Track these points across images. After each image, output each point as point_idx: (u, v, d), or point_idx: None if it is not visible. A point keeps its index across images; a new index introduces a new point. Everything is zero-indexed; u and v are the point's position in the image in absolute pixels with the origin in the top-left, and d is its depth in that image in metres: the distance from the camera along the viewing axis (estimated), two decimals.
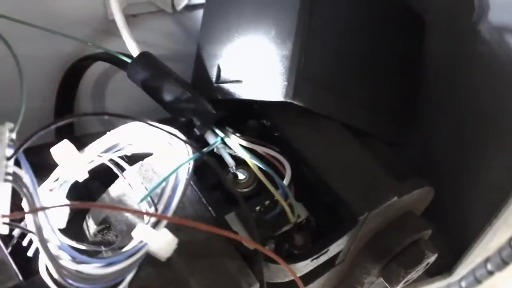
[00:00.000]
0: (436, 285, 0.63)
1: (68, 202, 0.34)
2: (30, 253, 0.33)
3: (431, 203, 0.49)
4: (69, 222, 0.41)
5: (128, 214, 0.35)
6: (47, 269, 0.30)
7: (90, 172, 0.37)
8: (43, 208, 0.28)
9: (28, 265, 0.35)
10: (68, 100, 0.53)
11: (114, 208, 0.35)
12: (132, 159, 0.38)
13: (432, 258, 0.44)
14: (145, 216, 0.32)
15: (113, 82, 0.56)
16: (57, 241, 0.30)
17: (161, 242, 0.31)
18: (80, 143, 0.36)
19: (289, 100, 0.38)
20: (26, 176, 0.29)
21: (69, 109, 0.54)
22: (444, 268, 0.58)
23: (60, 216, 0.34)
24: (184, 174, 0.33)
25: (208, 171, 0.38)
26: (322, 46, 0.40)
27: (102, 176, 0.38)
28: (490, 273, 0.66)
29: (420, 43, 0.54)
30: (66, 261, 0.29)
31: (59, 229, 0.32)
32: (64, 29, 0.45)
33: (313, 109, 0.40)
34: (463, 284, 0.70)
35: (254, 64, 0.40)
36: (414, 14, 0.52)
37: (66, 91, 0.52)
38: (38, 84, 0.52)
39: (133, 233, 0.31)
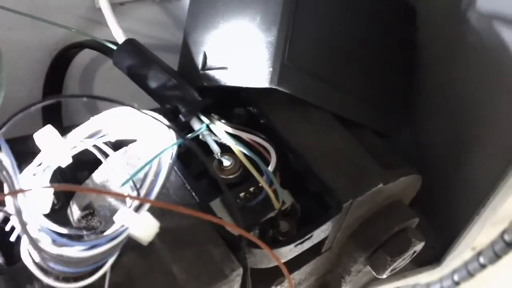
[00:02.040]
0: (428, 278, 0.63)
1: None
2: (12, 238, 0.33)
3: (420, 194, 0.48)
4: (57, 211, 0.41)
5: (111, 200, 0.35)
6: (29, 253, 0.30)
7: (80, 162, 0.37)
8: (22, 191, 0.28)
9: (12, 251, 0.35)
10: (55, 89, 0.53)
11: (94, 191, 0.35)
12: (117, 146, 0.38)
13: (419, 247, 0.44)
14: (127, 200, 0.32)
15: (101, 71, 0.55)
16: (37, 224, 0.29)
17: (142, 226, 0.30)
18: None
19: (274, 87, 0.38)
20: (6, 159, 0.29)
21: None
22: (433, 258, 0.57)
23: (44, 201, 0.34)
24: (167, 159, 0.33)
25: (195, 159, 0.38)
26: (309, 33, 0.40)
27: (92, 166, 0.38)
28: (483, 266, 0.66)
29: (412, 34, 0.53)
30: (46, 244, 0.29)
31: (44, 215, 0.32)
32: (51, 17, 0.45)
33: (299, 96, 0.40)
34: (455, 277, 0.69)
35: (240, 51, 0.39)
36: (405, 4, 0.52)
37: (54, 80, 0.52)
38: (25, 73, 0.52)
39: (114, 217, 0.30)
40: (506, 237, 0.61)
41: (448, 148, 0.53)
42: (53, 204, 0.49)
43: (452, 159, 0.52)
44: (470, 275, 0.68)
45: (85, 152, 0.36)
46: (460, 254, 0.58)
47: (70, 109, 0.57)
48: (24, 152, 0.34)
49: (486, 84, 0.47)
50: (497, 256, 0.63)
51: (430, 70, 0.53)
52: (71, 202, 0.38)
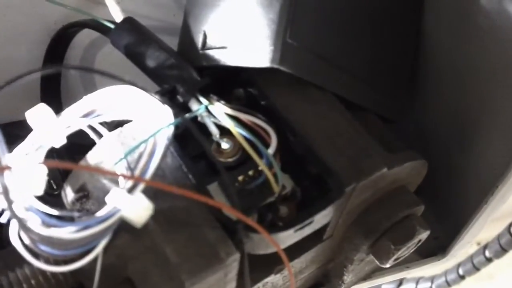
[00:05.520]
0: (432, 270, 0.62)
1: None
2: (3, 220, 0.32)
3: (425, 182, 0.47)
4: (56, 196, 0.40)
5: (105, 181, 0.34)
6: (18, 235, 0.30)
7: (78, 146, 0.36)
8: (8, 167, 0.27)
9: (1, 234, 0.34)
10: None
11: (86, 168, 0.34)
12: (115, 128, 0.37)
13: (424, 235, 0.42)
14: (120, 182, 0.31)
15: (101, 54, 0.54)
16: (26, 204, 0.28)
17: (136, 207, 0.29)
18: None
19: (276, 66, 0.37)
20: None
21: (56, 80, 0.53)
22: (437, 249, 0.56)
23: (36, 181, 0.33)
24: (163, 139, 0.32)
25: (192, 141, 0.36)
26: (312, 11, 0.39)
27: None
28: (489, 260, 0.65)
29: (419, 17, 0.52)
30: (35, 224, 0.28)
31: (39, 198, 0.31)
32: None
33: (302, 76, 0.38)
34: (460, 271, 0.68)
35: (240, 29, 0.38)
36: None
37: (53, 61, 0.51)
38: (23, 54, 0.51)
39: (106, 198, 0.29)
40: None
41: (454, 136, 0.52)
42: (52, 189, 0.49)
43: (458, 147, 0.51)
44: (476, 268, 0.67)
45: (84, 136, 0.35)
46: (466, 245, 0.57)
47: (70, 93, 0.56)
48: (22, 136, 0.33)
49: (495, 69, 0.46)
50: (503, 250, 0.62)
51: (435, 54, 0.52)
52: (64, 184, 0.37)
